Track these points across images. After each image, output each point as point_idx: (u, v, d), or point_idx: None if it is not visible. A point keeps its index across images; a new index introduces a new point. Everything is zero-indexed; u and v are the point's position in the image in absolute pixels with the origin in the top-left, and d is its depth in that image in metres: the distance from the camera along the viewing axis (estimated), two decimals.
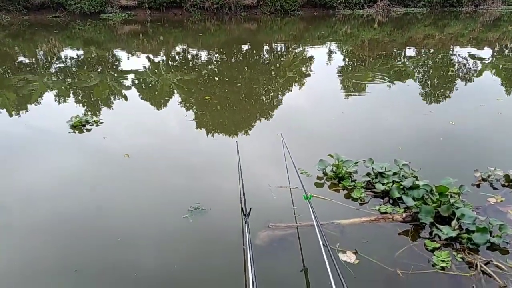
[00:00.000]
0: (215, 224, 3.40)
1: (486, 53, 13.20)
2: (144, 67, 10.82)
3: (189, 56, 12.88)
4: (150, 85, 8.99)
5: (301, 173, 4.19)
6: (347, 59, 12.45)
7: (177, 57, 12.78)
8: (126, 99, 7.77)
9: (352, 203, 3.70)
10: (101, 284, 2.79)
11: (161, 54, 13.38)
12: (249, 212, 2.73)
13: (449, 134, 5.44)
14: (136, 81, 9.22)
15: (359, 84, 8.87)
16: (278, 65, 11.41)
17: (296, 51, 13.76)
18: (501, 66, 11.02)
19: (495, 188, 3.92)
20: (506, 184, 3.95)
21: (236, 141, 4.51)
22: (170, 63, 11.81)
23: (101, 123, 6.08)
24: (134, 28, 18.95)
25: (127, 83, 8.98)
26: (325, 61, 11.71)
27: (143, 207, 3.73)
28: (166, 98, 7.77)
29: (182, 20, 21.28)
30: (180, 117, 6.40)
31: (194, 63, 11.67)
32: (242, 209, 2.77)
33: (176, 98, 7.79)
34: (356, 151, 4.75)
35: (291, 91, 8.36)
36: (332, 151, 4.36)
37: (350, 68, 10.72)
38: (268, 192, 3.91)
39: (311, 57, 12.30)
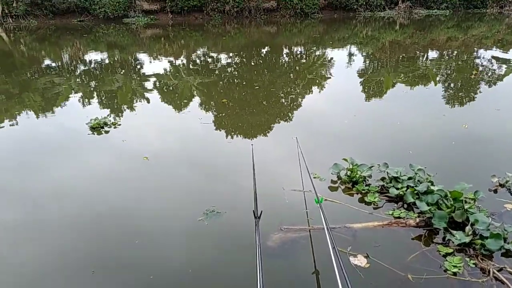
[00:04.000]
0: (230, 228, 3.47)
1: None
2: (166, 70, 11.04)
3: (210, 59, 13.06)
4: (171, 88, 9.17)
5: (314, 177, 4.23)
6: (367, 61, 12.38)
7: (197, 60, 12.97)
8: (148, 101, 7.95)
9: (366, 207, 3.72)
10: (116, 284, 2.90)
11: (182, 57, 13.62)
12: (260, 215, 2.79)
13: (462, 137, 5.41)
14: (158, 84, 9.43)
15: (378, 87, 8.83)
16: (297, 68, 11.45)
17: (316, 53, 13.75)
18: None
19: None
20: None
21: (252, 144, 4.58)
22: (191, 66, 12.01)
23: (119, 125, 6.25)
24: (156, 32, 19.32)
25: (149, 86, 9.18)
26: (345, 63, 11.68)
27: (160, 210, 3.83)
28: (186, 101, 7.92)
29: (203, 23, 21.55)
30: (199, 120, 6.51)
31: (214, 66, 11.83)
32: (254, 212, 2.83)
33: (196, 101, 7.93)
34: (371, 155, 4.75)
35: (310, 94, 8.38)
36: (347, 155, 4.38)
37: (370, 71, 10.66)
38: (282, 195, 3.97)
39: (331, 60, 12.28)
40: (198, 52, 14.81)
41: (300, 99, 7.93)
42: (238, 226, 3.45)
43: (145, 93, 8.60)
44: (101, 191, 4.24)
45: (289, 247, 3.19)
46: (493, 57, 12.18)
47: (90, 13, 22.03)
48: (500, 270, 2.79)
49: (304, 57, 13.44)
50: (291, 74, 10.55)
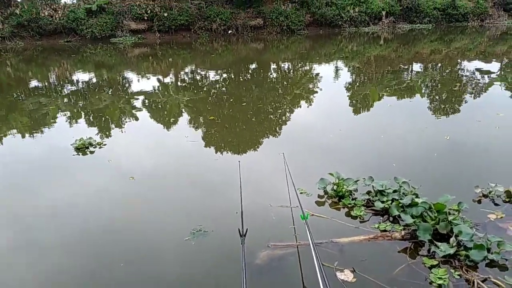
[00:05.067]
0: (217, 247, 3.45)
1: (494, 66, 13.20)
2: (154, 88, 11.08)
3: (198, 77, 13.15)
4: (160, 106, 9.19)
5: (301, 192, 4.25)
6: (354, 75, 12.57)
7: (186, 78, 13.05)
8: (136, 119, 7.95)
9: (352, 221, 3.74)
10: None
11: (170, 75, 13.69)
12: (246, 233, 2.79)
13: (444, 149, 5.51)
14: (146, 102, 9.44)
15: (364, 101, 8.96)
16: (285, 83, 11.57)
17: (303, 69, 13.94)
18: (509, 79, 10.99)
19: (496, 204, 3.92)
20: (507, 200, 3.95)
21: (239, 161, 4.58)
22: (179, 84, 12.06)
23: (104, 145, 6.20)
24: (144, 50, 19.42)
25: (137, 104, 9.19)
26: (332, 78, 11.83)
27: (146, 231, 3.80)
28: (174, 118, 7.93)
29: (190, 42, 21.75)
30: (185, 137, 6.51)
31: (202, 83, 11.91)
32: (239, 230, 2.83)
33: (184, 118, 7.94)
34: (357, 168, 4.80)
35: (298, 108, 8.47)
36: (333, 169, 4.41)
37: (357, 85, 10.81)
38: (269, 211, 3.97)
39: (317, 75, 12.45)
40: (186, 70, 14.91)
41: (287, 114, 8.01)
42: (225, 245, 3.43)
43: (132, 111, 8.60)
44: (85, 214, 4.18)
45: (277, 264, 3.19)
46: (476, 69, 12.46)
47: (77, 34, 22.10)
48: (484, 280, 2.81)
49: (292, 72, 13.60)
50: (279, 90, 10.66)
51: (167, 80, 12.59)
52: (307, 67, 14.17)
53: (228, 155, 5.77)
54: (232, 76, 12.85)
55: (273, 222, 3.81)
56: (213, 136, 6.69)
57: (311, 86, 10.79)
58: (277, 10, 23.41)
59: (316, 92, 10.02)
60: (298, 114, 7.96)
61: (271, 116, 7.88)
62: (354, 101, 9.12)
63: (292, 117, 7.74)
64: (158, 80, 12.32)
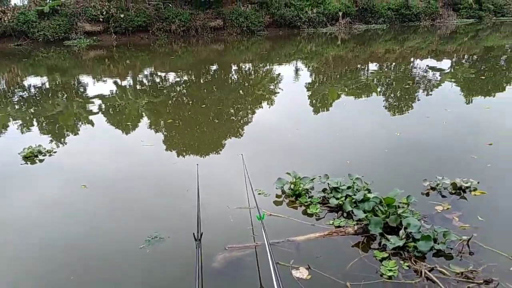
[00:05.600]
0: (173, 253, 3.38)
1: (445, 64, 13.87)
2: (111, 92, 10.80)
3: (157, 79, 12.94)
4: (118, 110, 8.96)
5: (259, 193, 4.28)
6: (313, 75, 12.81)
7: (145, 81, 12.80)
8: (92, 125, 7.71)
9: (309, 219, 3.81)
10: None
11: (128, 78, 13.39)
12: (201, 236, 2.78)
13: (395, 145, 5.76)
14: (103, 107, 9.18)
15: (323, 100, 9.16)
16: (246, 84, 11.61)
17: (264, 70, 14.04)
18: (459, 75, 11.57)
19: (443, 196, 4.12)
20: (453, 191, 4.16)
21: (197, 164, 4.56)
22: (137, 87, 11.81)
23: (55, 152, 5.95)
24: (100, 53, 18.88)
25: (94, 109, 8.91)
26: (292, 78, 12.00)
27: (99, 242, 3.66)
28: (130, 123, 7.74)
29: (149, 43, 21.37)
30: (141, 142, 6.38)
31: (162, 86, 11.73)
32: (194, 234, 2.81)
33: (142, 122, 7.78)
34: (314, 167, 4.89)
35: (259, 109, 8.51)
36: (291, 168, 4.48)
37: (316, 85, 11.02)
38: (227, 214, 3.97)
39: (278, 75, 12.58)
40: (145, 72, 14.63)
41: (248, 116, 8.04)
42: (181, 251, 3.38)
43: (88, 117, 8.34)
44: (31, 227, 3.98)
45: (234, 266, 3.19)
46: (428, 67, 13.03)
47: (28, 37, 21.17)
48: (431, 270, 2.95)
49: (253, 73, 13.66)
50: (240, 91, 10.68)
51: (125, 83, 12.31)
52: (268, 68, 14.29)
53: (188, 158, 5.71)
54: (193, 78, 12.75)
55: (232, 224, 3.82)
56: (173, 139, 6.60)
57: (272, 86, 10.89)
58: (237, 11, 23.45)
59: (277, 92, 10.13)
60: (259, 115, 8.01)
61: (233, 118, 7.88)
62: (313, 101, 9.30)
63: (253, 118, 7.77)
64: (115, 83, 12.02)
